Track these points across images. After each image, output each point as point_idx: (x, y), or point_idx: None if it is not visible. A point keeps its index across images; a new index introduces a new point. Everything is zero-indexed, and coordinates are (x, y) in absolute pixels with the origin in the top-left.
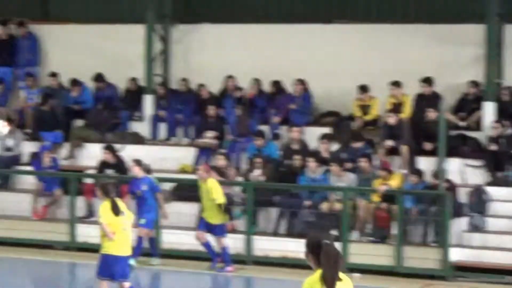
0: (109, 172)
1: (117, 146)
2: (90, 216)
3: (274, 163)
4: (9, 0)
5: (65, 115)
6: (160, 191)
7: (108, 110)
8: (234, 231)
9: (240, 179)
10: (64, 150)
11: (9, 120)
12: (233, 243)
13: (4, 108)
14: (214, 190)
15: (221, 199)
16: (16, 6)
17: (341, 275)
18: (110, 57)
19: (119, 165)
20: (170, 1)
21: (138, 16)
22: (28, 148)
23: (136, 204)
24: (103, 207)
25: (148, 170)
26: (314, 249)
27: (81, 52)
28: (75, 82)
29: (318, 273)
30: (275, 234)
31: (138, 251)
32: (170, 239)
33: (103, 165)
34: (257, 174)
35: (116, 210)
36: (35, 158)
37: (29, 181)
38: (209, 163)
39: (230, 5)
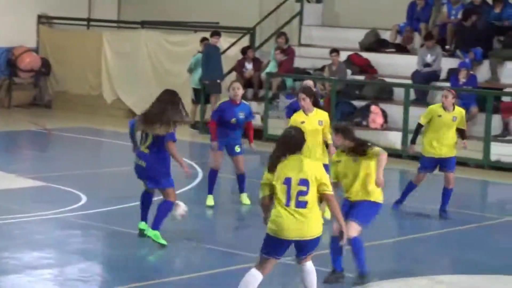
0: None
1: None
2: (505, 135)
3: None
4: None
5: (487, 31)
6: None
7: None
8: None
9: None
10: (484, 67)
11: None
12: None
13: (425, 24)
14: None
15: None
16: None
17: None
18: None
19: None
20: None
21: None
22: (447, 64)
23: None
24: None
25: None
26: None
27: None
28: None
29: None
30: None
31: None
32: None
33: None
34: None
35: None
36: (453, 74)
37: None
38: None
39: None
